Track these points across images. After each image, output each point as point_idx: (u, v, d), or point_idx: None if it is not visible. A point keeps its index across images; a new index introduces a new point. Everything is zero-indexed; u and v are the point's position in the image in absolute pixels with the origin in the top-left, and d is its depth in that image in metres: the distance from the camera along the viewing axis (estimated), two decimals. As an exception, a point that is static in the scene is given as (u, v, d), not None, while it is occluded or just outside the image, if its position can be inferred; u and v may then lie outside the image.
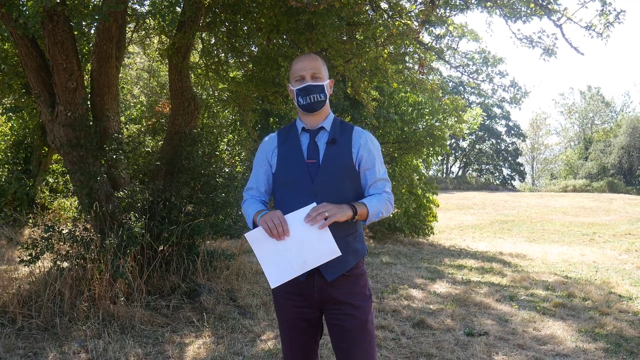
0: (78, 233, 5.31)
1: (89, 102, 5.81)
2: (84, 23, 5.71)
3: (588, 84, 76.36)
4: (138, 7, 7.89)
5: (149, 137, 8.34)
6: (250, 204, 2.43)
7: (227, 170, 6.89)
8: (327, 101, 2.39)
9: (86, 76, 6.76)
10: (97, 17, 4.59)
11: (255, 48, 7.66)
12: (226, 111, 10.99)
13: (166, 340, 4.55)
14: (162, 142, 7.41)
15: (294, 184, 2.31)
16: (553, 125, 77.17)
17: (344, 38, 6.52)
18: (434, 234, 13.53)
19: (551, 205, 24.01)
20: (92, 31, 6.92)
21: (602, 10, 5.04)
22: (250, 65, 7.60)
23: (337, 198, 2.24)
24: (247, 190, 2.51)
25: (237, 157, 9.61)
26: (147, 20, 8.25)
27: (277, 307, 2.46)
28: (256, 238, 2.23)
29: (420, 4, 6.20)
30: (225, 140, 10.64)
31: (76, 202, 9.33)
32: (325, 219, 2.15)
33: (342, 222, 2.24)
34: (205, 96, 9.49)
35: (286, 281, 2.23)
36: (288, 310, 2.38)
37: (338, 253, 2.19)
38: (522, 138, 52.47)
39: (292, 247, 2.19)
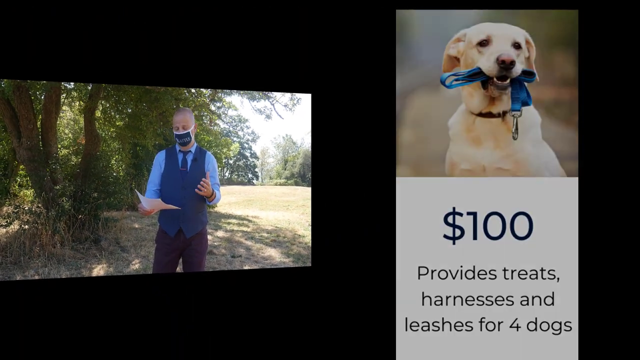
0: (34, 209, 6.47)
1: (40, 136, 7.11)
2: (37, 93, 8.34)
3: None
4: (68, 85, 10.16)
5: (74, 156, 10.59)
6: (147, 193, 3.22)
7: (115, 174, 8.85)
8: (193, 138, 3.13)
9: (38, 122, 8.28)
10: (44, 90, 6.17)
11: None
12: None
13: (82, 267, 6.12)
14: (81, 159, 9.48)
15: (173, 181, 3.10)
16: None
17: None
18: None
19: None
20: (42, 97, 8.72)
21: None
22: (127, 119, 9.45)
23: (196, 189, 2.94)
24: (148, 184, 3.25)
25: (121, 166, 11.77)
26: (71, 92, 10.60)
27: (157, 252, 3.28)
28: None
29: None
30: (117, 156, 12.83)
31: (32, 192, 10.83)
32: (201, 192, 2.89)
33: (200, 203, 3.03)
34: (103, 133, 11.63)
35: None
36: (163, 253, 3.24)
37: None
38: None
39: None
